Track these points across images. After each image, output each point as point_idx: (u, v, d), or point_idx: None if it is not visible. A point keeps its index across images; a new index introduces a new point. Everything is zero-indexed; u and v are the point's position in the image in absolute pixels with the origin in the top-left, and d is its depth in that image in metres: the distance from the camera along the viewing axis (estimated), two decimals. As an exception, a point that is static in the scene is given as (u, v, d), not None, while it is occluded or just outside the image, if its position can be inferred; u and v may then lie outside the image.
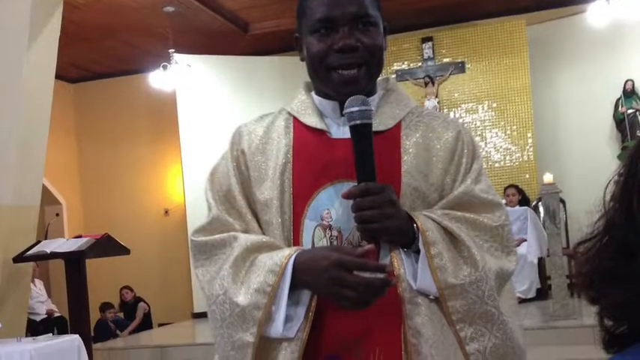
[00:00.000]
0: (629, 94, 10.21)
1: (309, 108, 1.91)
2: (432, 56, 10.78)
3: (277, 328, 1.69)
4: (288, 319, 1.70)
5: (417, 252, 1.75)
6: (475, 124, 10.52)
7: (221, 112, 10.63)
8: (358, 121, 1.70)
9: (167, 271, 12.21)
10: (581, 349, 6.04)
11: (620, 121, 10.24)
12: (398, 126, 1.88)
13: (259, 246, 1.77)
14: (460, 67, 10.68)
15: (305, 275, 1.68)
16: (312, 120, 1.88)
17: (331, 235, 1.78)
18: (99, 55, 11.71)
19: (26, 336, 6.79)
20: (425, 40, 10.83)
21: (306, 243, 1.79)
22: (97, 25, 10.18)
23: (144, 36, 10.85)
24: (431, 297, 1.75)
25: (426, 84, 10.65)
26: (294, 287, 1.70)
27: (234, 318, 1.73)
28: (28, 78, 7.07)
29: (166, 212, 12.52)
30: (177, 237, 11.52)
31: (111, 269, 11.10)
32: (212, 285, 1.79)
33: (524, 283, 8.64)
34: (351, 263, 1.64)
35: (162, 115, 11.97)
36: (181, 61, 10.45)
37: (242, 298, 1.71)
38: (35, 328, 9.28)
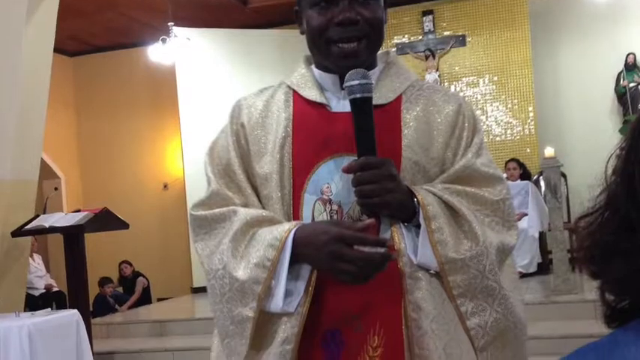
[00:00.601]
0: (630, 67, 10.18)
1: (309, 81, 1.89)
2: (432, 29, 10.72)
3: (277, 303, 1.69)
4: (288, 293, 1.69)
5: (418, 226, 1.74)
6: (476, 98, 10.49)
7: (220, 86, 10.59)
8: (358, 95, 1.69)
9: (166, 246, 12.23)
10: (583, 323, 6.06)
11: (621, 94, 10.22)
12: (398, 100, 1.86)
13: (259, 220, 1.76)
14: (461, 41, 10.64)
15: (305, 250, 1.67)
16: (312, 93, 1.87)
17: (331, 210, 1.78)
18: (98, 29, 11.64)
19: (25, 311, 6.81)
20: (425, 13, 10.78)
21: (306, 217, 1.78)
22: (96, -3, 10.13)
23: (143, 9, 10.78)
24: (431, 272, 1.75)
25: (427, 57, 10.61)
26: (294, 262, 1.69)
27: (233, 292, 1.72)
28: (26, 52, 7.03)
29: (165, 186, 12.52)
30: (177, 211, 11.53)
31: (110, 244, 11.11)
32: (211, 259, 1.78)
33: (525, 258, 8.63)
34: (352, 237, 1.63)
35: (162, 89, 11.94)
36: (180, 34, 10.40)
37: (241, 272, 1.71)
38: (34, 303, 9.30)
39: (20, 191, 7.16)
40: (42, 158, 8.04)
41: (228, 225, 1.78)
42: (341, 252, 1.62)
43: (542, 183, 8.61)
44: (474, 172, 1.81)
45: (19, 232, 6.91)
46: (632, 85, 10.12)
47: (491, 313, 1.75)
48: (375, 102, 1.74)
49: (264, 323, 1.74)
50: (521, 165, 9.55)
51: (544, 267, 9.05)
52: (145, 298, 11.28)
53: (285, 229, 1.70)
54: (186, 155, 11.02)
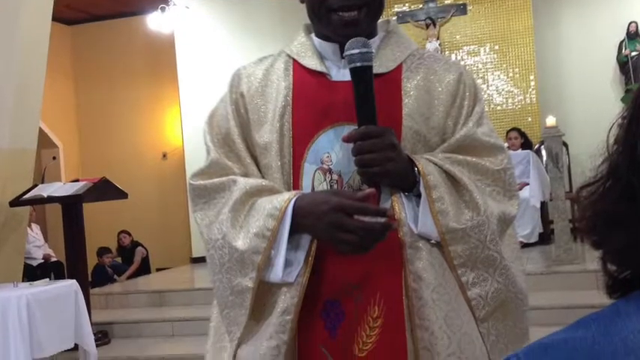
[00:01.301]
0: (632, 36, 10.12)
1: (309, 50, 1.88)
2: (433, -2, 10.66)
3: (277, 273, 1.68)
4: (287, 263, 1.68)
5: (418, 196, 1.73)
6: (477, 67, 10.44)
7: (220, 55, 10.55)
8: (358, 64, 1.68)
9: (165, 216, 12.26)
10: (584, 294, 6.08)
11: (623, 63, 10.18)
12: (399, 68, 1.85)
13: (259, 190, 1.76)
14: (462, 9, 10.56)
15: (305, 219, 1.66)
16: (312, 62, 1.85)
17: (331, 179, 1.77)
18: (96, -3, 11.58)
19: (23, 281, 6.78)
20: (426, -19, 10.70)
21: (306, 187, 1.77)
22: (93, -35, 10.05)
23: (141, -23, 10.71)
24: (432, 241, 1.74)
25: (427, 26, 10.54)
26: (294, 232, 1.68)
27: (233, 263, 1.72)
28: (24, 20, 6.99)
29: (164, 156, 12.51)
30: (176, 181, 11.53)
31: (108, 213, 11.13)
32: (211, 229, 1.78)
33: (527, 228, 8.61)
34: (352, 207, 1.62)
35: (161, 58, 11.88)
36: (179, 2, 10.34)
37: (241, 242, 1.70)
38: (32, 273, 9.32)
39: (18, 160, 7.14)
40: (40, 127, 8.02)
41: (228, 195, 1.77)
42: (341, 222, 1.61)
43: (543, 152, 8.59)
44: (475, 141, 1.80)
45: (17, 202, 6.89)
46: (634, 53, 10.07)
47: (492, 283, 1.75)
48: (375, 71, 1.72)
49: (264, 294, 1.74)
50: (522, 134, 9.52)
51: (545, 237, 9.05)
52: (144, 268, 11.31)
53: (285, 198, 1.69)
54: (185, 124, 11.00)
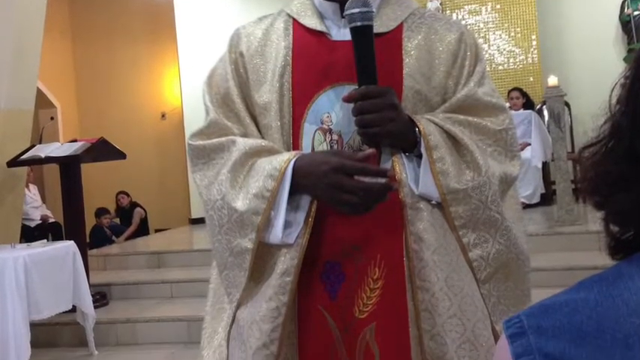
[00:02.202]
0: (634, -5, 10.05)
1: (309, 9, 1.86)
2: (434, -45, 10.54)
3: (276, 234, 1.67)
4: (287, 225, 1.67)
5: (420, 156, 1.72)
6: (478, 26, 10.37)
7: (219, 13, 10.47)
8: (359, 23, 1.66)
9: (164, 176, 12.26)
10: (586, 255, 6.08)
11: (625, 23, 10.10)
12: (399, 28, 1.83)
13: (258, 150, 1.74)
14: (463, -32, 10.47)
15: (305, 180, 1.65)
16: (312, 22, 1.83)
17: (331, 139, 1.75)
18: (93, -46, 11.45)
19: (20, 242, 6.79)
20: (427, -62, 10.58)
21: (306, 147, 1.76)
22: None
23: None
24: (433, 202, 1.73)
25: (428, -15, 10.46)
26: (294, 192, 1.67)
27: (232, 224, 1.71)
28: (21, -22, 6.92)
29: (163, 116, 12.49)
30: (175, 141, 11.52)
31: (106, 174, 11.13)
32: (210, 190, 1.77)
33: (528, 189, 8.61)
34: (352, 167, 1.61)
35: (159, 17, 11.81)
36: (177, -40, 10.23)
37: (240, 203, 1.69)
38: (29, 234, 9.31)
39: (16, 120, 7.12)
40: (38, 87, 7.98)
41: (227, 155, 1.76)
42: (341, 182, 1.60)
43: (545, 112, 8.55)
44: (476, 101, 1.79)
45: (14, 162, 6.87)
46: (636, 13, 9.99)
47: (494, 244, 1.75)
48: (375, 30, 1.70)
49: (263, 255, 1.73)
50: (524, 94, 9.49)
51: (547, 198, 9.04)
52: (143, 229, 11.34)
53: (285, 159, 1.68)
54: (184, 84, 10.96)
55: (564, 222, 7.27)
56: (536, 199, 8.81)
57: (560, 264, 6.21)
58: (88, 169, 7.82)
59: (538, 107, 9.57)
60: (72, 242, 5.89)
